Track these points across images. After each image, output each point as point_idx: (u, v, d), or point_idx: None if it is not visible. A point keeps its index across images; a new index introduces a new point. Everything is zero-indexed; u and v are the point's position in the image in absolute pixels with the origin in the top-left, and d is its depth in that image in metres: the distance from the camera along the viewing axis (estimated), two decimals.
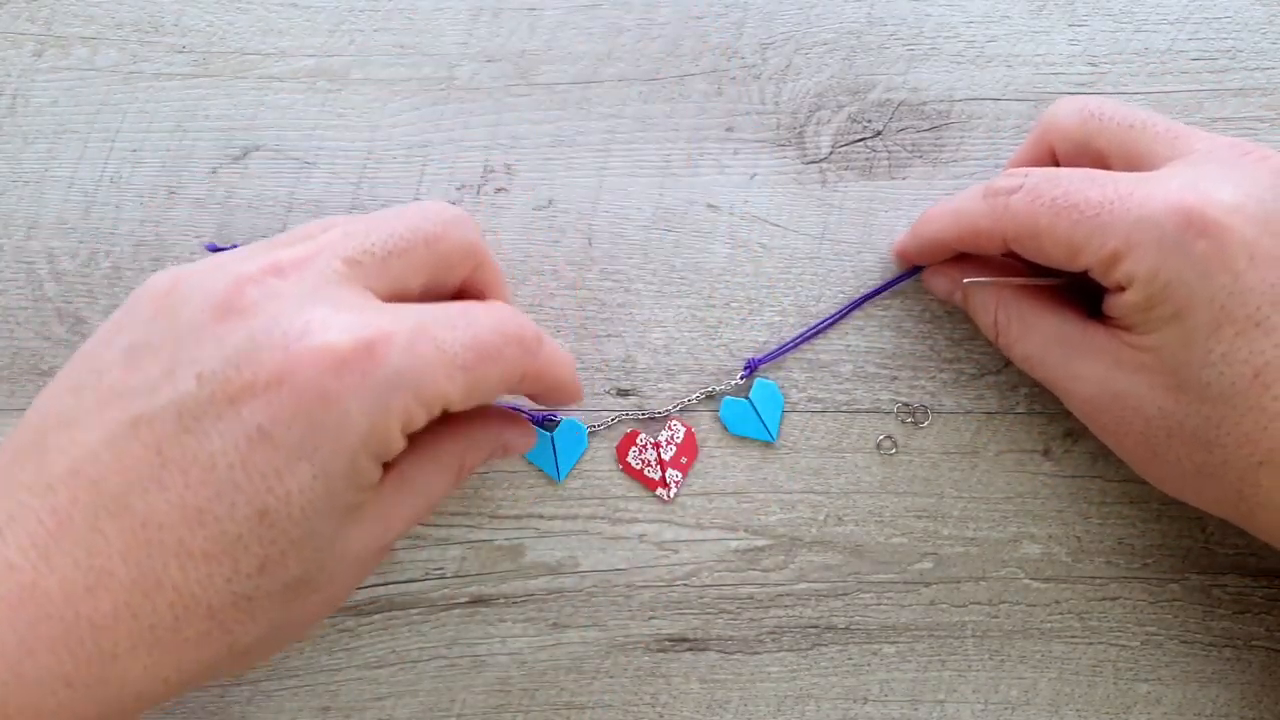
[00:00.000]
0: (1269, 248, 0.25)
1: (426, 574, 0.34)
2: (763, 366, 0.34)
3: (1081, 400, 0.29)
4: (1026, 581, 0.34)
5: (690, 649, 0.34)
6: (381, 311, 0.23)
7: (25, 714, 0.21)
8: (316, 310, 0.22)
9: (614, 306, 0.35)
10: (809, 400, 0.34)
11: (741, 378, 0.34)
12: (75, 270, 0.34)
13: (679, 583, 0.34)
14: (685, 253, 0.35)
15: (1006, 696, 0.33)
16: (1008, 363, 0.34)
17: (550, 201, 0.35)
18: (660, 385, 0.34)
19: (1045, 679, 0.34)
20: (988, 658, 0.34)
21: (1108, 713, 0.33)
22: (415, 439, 0.27)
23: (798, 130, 0.35)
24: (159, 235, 0.34)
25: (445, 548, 0.34)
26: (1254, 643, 0.34)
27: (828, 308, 0.35)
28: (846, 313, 0.34)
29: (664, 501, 0.34)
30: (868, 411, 0.34)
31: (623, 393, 0.34)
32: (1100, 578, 0.34)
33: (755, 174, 0.35)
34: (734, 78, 0.35)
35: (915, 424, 0.34)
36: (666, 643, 0.34)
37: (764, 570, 0.34)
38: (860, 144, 0.35)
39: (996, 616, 0.34)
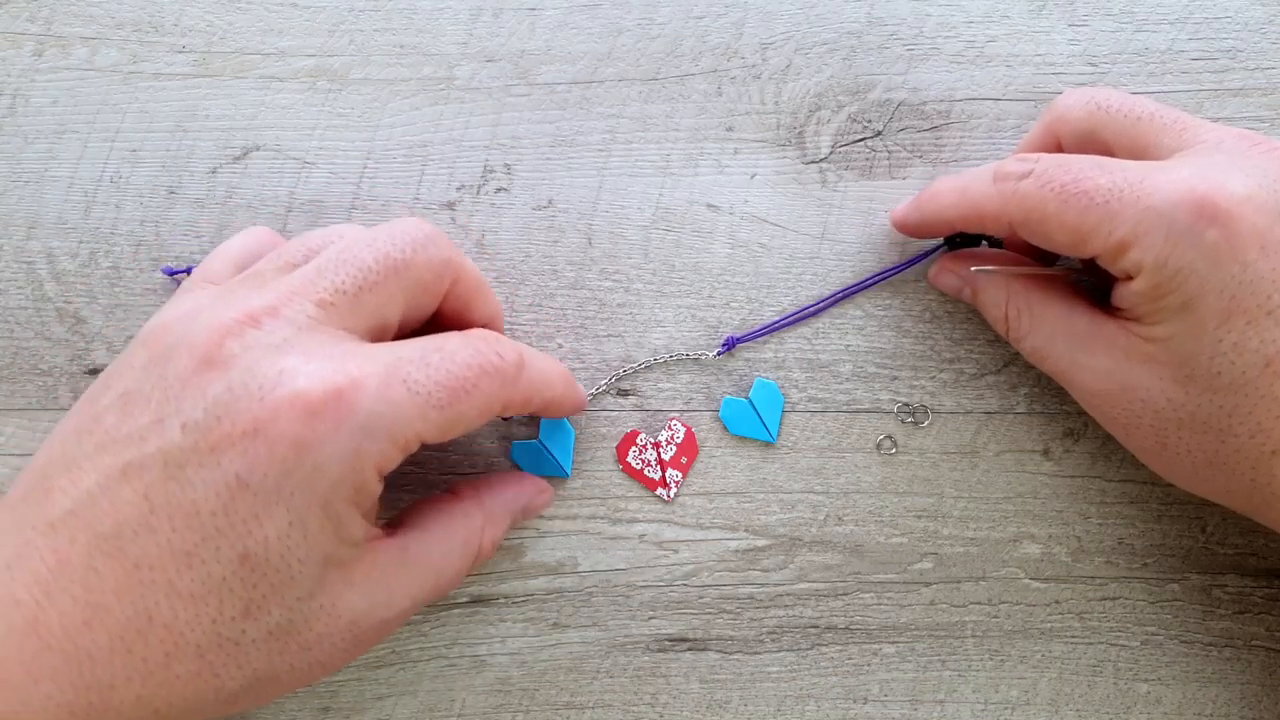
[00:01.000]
0: (1279, 237, 0.25)
1: None
2: (738, 354, 0.34)
3: (1091, 393, 0.29)
4: (1026, 581, 0.34)
5: (690, 649, 0.34)
6: (353, 356, 0.24)
7: None
8: (288, 359, 0.23)
9: (614, 306, 0.35)
10: (809, 400, 0.34)
11: (718, 354, 0.34)
12: (75, 270, 0.34)
13: (679, 583, 0.34)
14: (685, 253, 0.35)
15: (1006, 696, 0.33)
16: (1008, 363, 0.34)
17: (550, 201, 0.35)
18: (660, 385, 0.34)
19: (1045, 679, 0.34)
20: (988, 658, 0.34)
21: (1108, 713, 0.33)
22: (426, 515, 0.28)
23: (798, 130, 0.35)
24: (159, 235, 0.34)
25: None
26: (1254, 643, 0.34)
27: (827, 307, 0.35)
28: (841, 298, 0.34)
29: (664, 501, 0.34)
30: (868, 411, 0.34)
31: (623, 393, 0.34)
32: (1100, 578, 0.34)
33: (755, 174, 0.35)
34: (734, 78, 0.35)
35: (915, 424, 0.34)
36: (666, 643, 0.34)
37: (764, 570, 0.34)
38: (860, 144, 0.35)
39: (996, 616, 0.34)
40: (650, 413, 0.34)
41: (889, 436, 0.34)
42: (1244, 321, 0.25)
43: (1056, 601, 0.34)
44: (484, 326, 0.29)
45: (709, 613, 0.34)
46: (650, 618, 0.34)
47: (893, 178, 0.35)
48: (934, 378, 0.34)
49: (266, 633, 0.23)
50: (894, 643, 0.34)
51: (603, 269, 0.35)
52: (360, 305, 0.25)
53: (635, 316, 0.35)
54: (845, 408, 0.34)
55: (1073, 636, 0.34)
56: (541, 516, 0.34)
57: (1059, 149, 0.31)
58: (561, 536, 0.34)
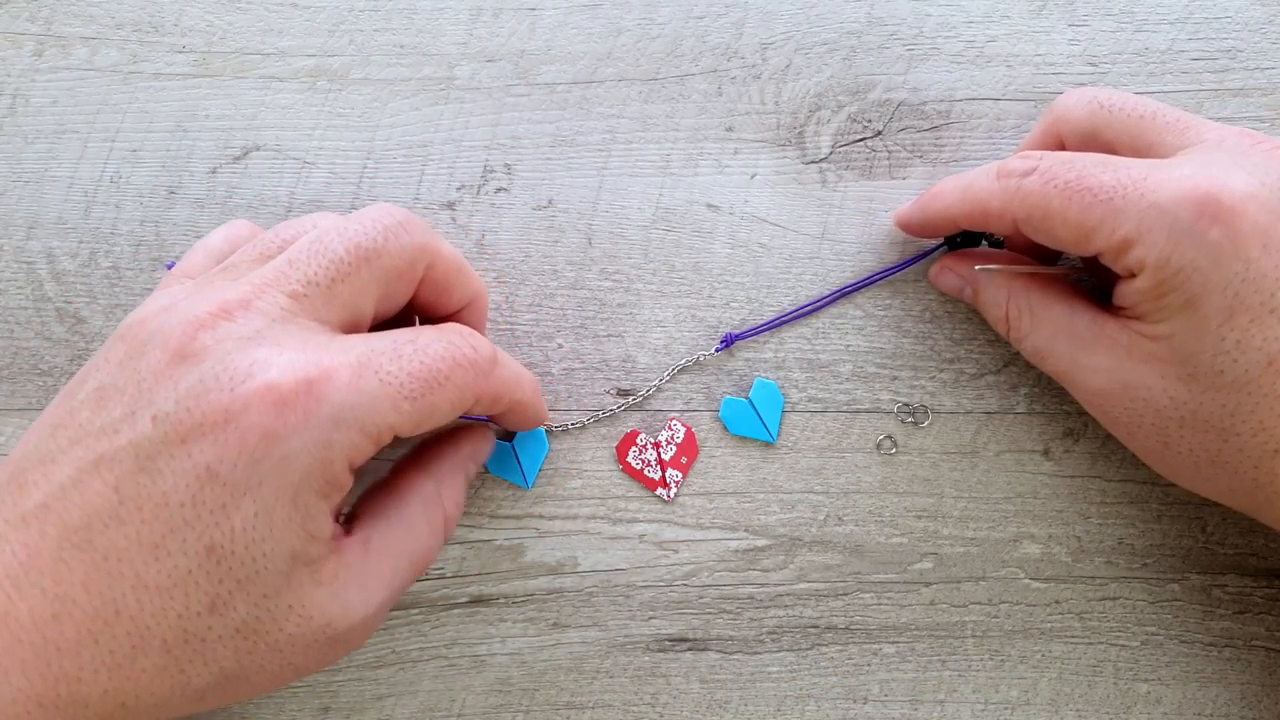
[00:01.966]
0: None
1: (426, 574, 0.34)
2: (737, 354, 0.34)
3: (1092, 392, 0.29)
4: (1026, 581, 0.34)
5: (690, 649, 0.34)
6: (325, 347, 0.24)
7: None
8: (260, 350, 0.23)
9: (614, 306, 0.35)
10: (809, 400, 0.34)
11: (717, 350, 0.34)
12: (75, 270, 0.34)
13: (679, 583, 0.34)
14: (685, 253, 0.35)
15: (1006, 696, 0.33)
16: (1008, 363, 0.34)
17: (550, 201, 0.35)
18: (661, 385, 0.34)
19: (1045, 679, 0.34)
20: (988, 658, 0.34)
21: (1108, 713, 0.33)
22: (379, 502, 0.27)
23: (798, 130, 0.35)
24: (159, 235, 0.34)
25: (445, 547, 0.34)
26: (1254, 643, 0.34)
27: (828, 307, 0.35)
28: (841, 297, 0.34)
29: (664, 501, 0.34)
30: (868, 411, 0.34)
31: (623, 393, 0.34)
32: (1100, 578, 0.34)
33: (755, 174, 0.35)
34: (734, 78, 0.35)
35: (915, 424, 0.34)
36: (666, 643, 0.34)
37: (764, 570, 0.34)
38: (860, 144, 0.35)
39: (996, 616, 0.34)
40: (650, 413, 0.34)
41: (889, 436, 0.34)
42: (1247, 319, 0.25)
43: (1056, 601, 0.34)
44: (466, 308, 0.29)
45: (709, 613, 0.34)
46: (650, 618, 0.34)
47: (893, 178, 0.35)
48: (934, 378, 0.34)
49: (233, 630, 0.23)
50: (894, 643, 0.34)
51: (603, 269, 0.35)
52: (333, 296, 0.25)
53: (635, 316, 0.35)
54: (845, 408, 0.34)
55: (1073, 636, 0.34)
56: (540, 516, 0.34)
57: (1061, 149, 0.31)
58: (561, 536, 0.34)
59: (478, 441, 0.31)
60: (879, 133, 0.35)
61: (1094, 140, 0.29)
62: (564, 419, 0.34)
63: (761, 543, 0.34)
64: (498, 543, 0.34)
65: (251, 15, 0.35)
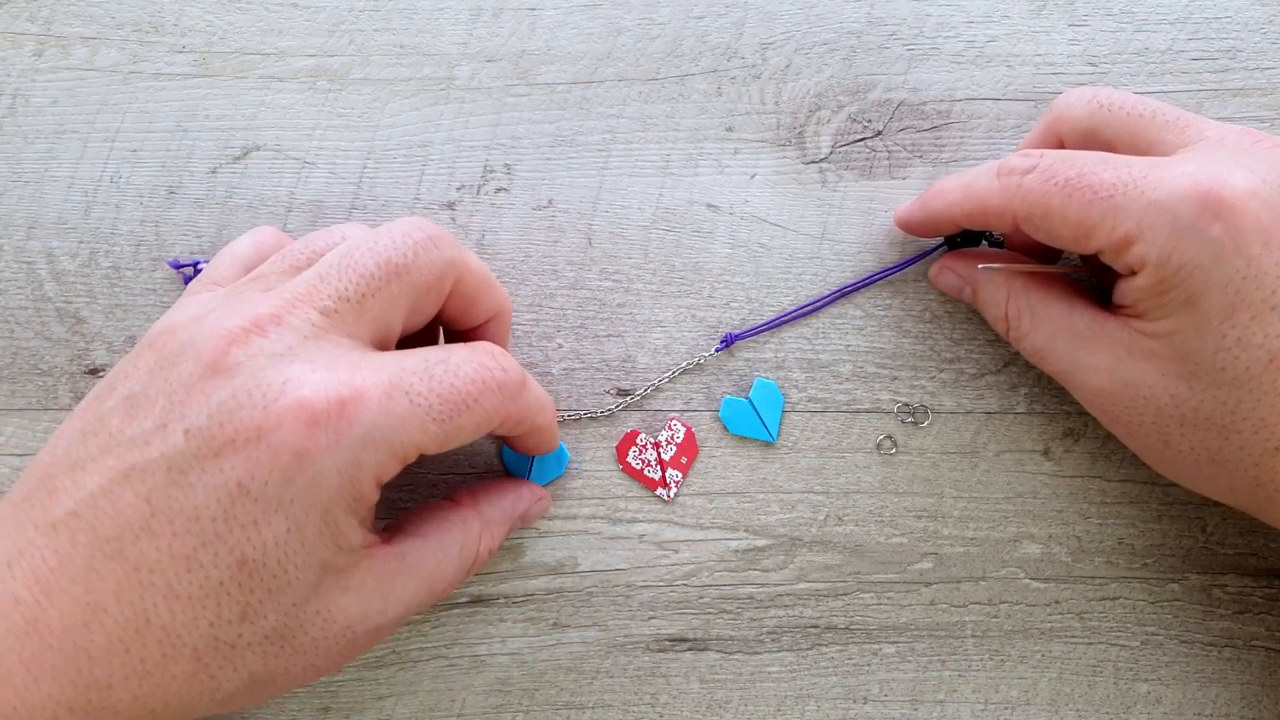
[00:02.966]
0: None
1: None
2: (737, 354, 0.34)
3: (1093, 392, 0.29)
4: (1026, 581, 0.34)
5: (690, 649, 0.34)
6: (357, 366, 0.24)
7: None
8: (293, 368, 0.23)
9: (614, 306, 0.35)
10: (809, 400, 0.34)
11: (716, 351, 0.34)
12: (75, 270, 0.34)
13: (679, 583, 0.34)
14: (685, 253, 0.35)
15: (1006, 696, 0.33)
16: (1008, 363, 0.34)
17: (550, 201, 0.35)
18: (660, 385, 0.34)
19: (1045, 679, 0.34)
20: (988, 658, 0.34)
21: (1108, 713, 0.33)
22: (424, 522, 0.28)
23: (798, 130, 0.35)
24: (159, 235, 0.34)
25: None
26: (1254, 643, 0.34)
27: (828, 307, 0.35)
28: (840, 297, 0.34)
29: (664, 501, 0.34)
30: (868, 411, 0.34)
31: (623, 393, 0.34)
32: (1100, 578, 0.34)
33: (755, 174, 0.35)
34: (734, 78, 0.35)
35: (915, 424, 0.34)
36: (666, 643, 0.34)
37: (764, 570, 0.34)
38: (860, 144, 0.35)
39: (996, 616, 0.34)
40: (650, 413, 0.34)
41: (889, 436, 0.34)
42: (1248, 316, 0.25)
43: (1056, 601, 0.34)
44: (491, 321, 0.29)
45: (709, 613, 0.34)
46: (650, 618, 0.34)
47: (893, 178, 0.35)
48: (934, 378, 0.34)
49: (262, 636, 0.23)
50: (894, 643, 0.34)
51: (603, 269, 0.35)
52: (364, 312, 0.25)
53: (635, 316, 0.35)
54: (845, 408, 0.34)
55: (1073, 636, 0.34)
56: (542, 516, 0.34)
57: (1061, 148, 0.31)
58: (561, 536, 0.34)
59: (535, 503, 0.32)
60: (879, 133, 0.35)
61: (1093, 139, 0.29)
62: (564, 413, 0.34)
63: (761, 543, 0.34)
64: None
65: (251, 15, 0.35)
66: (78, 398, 0.34)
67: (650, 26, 0.36)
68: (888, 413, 0.34)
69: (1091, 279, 0.33)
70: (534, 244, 0.35)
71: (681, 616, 0.34)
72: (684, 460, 0.34)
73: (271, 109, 0.35)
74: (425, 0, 0.36)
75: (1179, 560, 0.34)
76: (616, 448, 0.34)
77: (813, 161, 0.35)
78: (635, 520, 0.34)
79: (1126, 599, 0.34)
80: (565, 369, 0.34)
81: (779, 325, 0.34)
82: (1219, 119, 0.34)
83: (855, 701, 0.33)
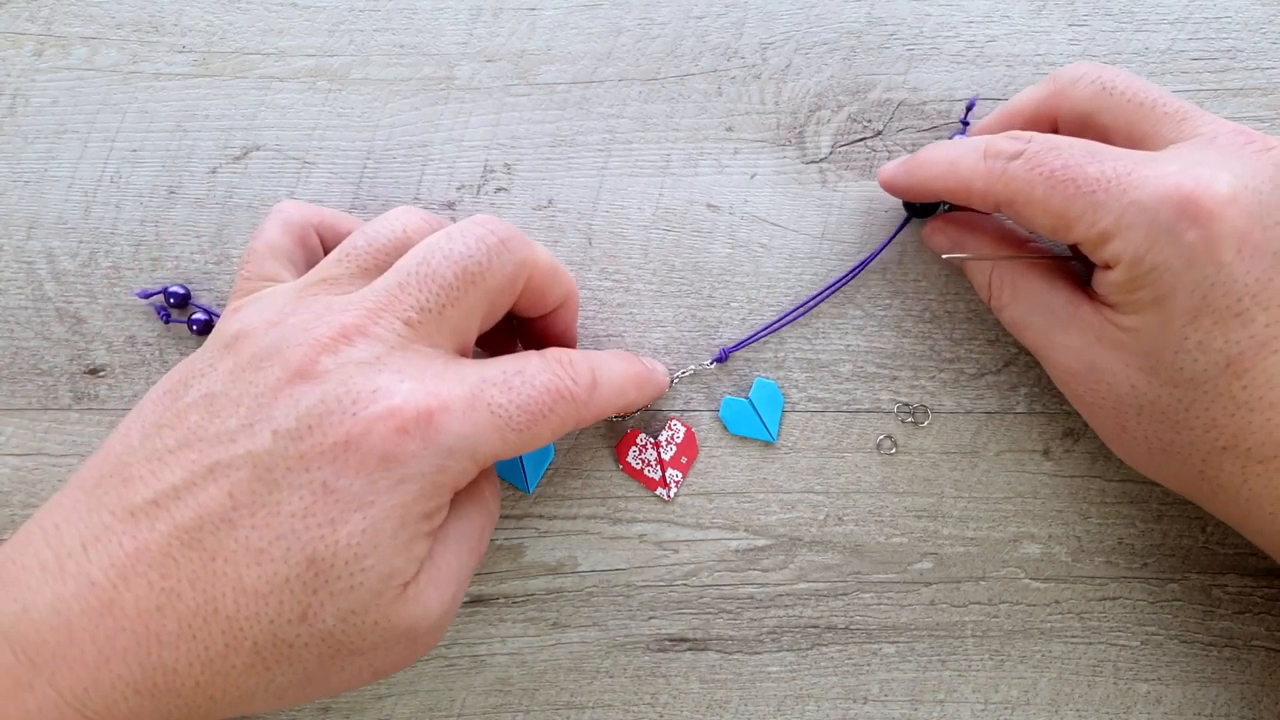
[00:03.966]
0: (1259, 240, 0.25)
1: None
2: (737, 354, 0.34)
3: (1061, 369, 0.29)
4: (1026, 581, 0.34)
5: (690, 649, 0.34)
6: (441, 377, 0.25)
7: (104, 716, 0.23)
8: (382, 377, 0.24)
9: (614, 306, 0.35)
10: (809, 400, 0.34)
11: (712, 363, 0.34)
12: (75, 270, 0.34)
13: (679, 583, 0.34)
14: (685, 253, 0.35)
15: (1006, 696, 0.33)
16: (1008, 362, 0.34)
17: (550, 201, 0.35)
18: None
19: (1045, 679, 0.34)
20: (988, 658, 0.34)
21: (1108, 713, 0.33)
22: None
23: (798, 130, 0.35)
24: (159, 235, 0.35)
25: None
26: (1254, 643, 0.34)
27: (828, 307, 0.35)
28: (830, 293, 0.34)
29: (664, 501, 0.34)
30: (868, 411, 0.34)
31: None
32: (1100, 578, 0.34)
33: (755, 174, 0.35)
34: (734, 78, 0.35)
35: (915, 424, 0.34)
36: (666, 643, 0.34)
37: (764, 570, 0.34)
38: (860, 144, 0.35)
39: (996, 616, 0.34)
40: (650, 413, 0.34)
41: (889, 436, 0.34)
42: (1211, 321, 0.25)
43: (1056, 601, 0.34)
44: (559, 308, 0.30)
45: (709, 613, 0.34)
46: (650, 618, 0.34)
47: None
48: (934, 378, 0.34)
49: (319, 638, 0.24)
50: (894, 643, 0.34)
51: (603, 269, 0.35)
52: (444, 321, 0.26)
53: (635, 316, 0.35)
54: (845, 408, 0.34)
55: (1073, 636, 0.34)
56: (540, 516, 0.34)
57: (1054, 123, 0.31)
58: (561, 536, 0.34)
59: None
60: (879, 133, 0.35)
61: (1091, 122, 0.29)
62: None
63: (761, 543, 0.34)
64: (498, 543, 0.34)
65: (251, 15, 0.35)
66: (78, 398, 0.34)
67: (650, 26, 0.36)
68: (888, 413, 0.34)
69: (1076, 261, 0.33)
70: None
71: (681, 616, 0.34)
72: (684, 460, 0.34)
73: (271, 109, 0.35)
74: (425, 0, 0.36)
75: (1179, 560, 0.34)
76: (616, 448, 0.34)
77: (813, 161, 0.35)
78: (635, 520, 0.34)
79: (1126, 599, 0.34)
80: None
81: (774, 331, 0.34)
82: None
83: (855, 701, 0.33)
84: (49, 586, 0.23)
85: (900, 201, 0.35)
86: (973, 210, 0.33)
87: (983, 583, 0.34)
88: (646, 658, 0.34)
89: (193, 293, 0.34)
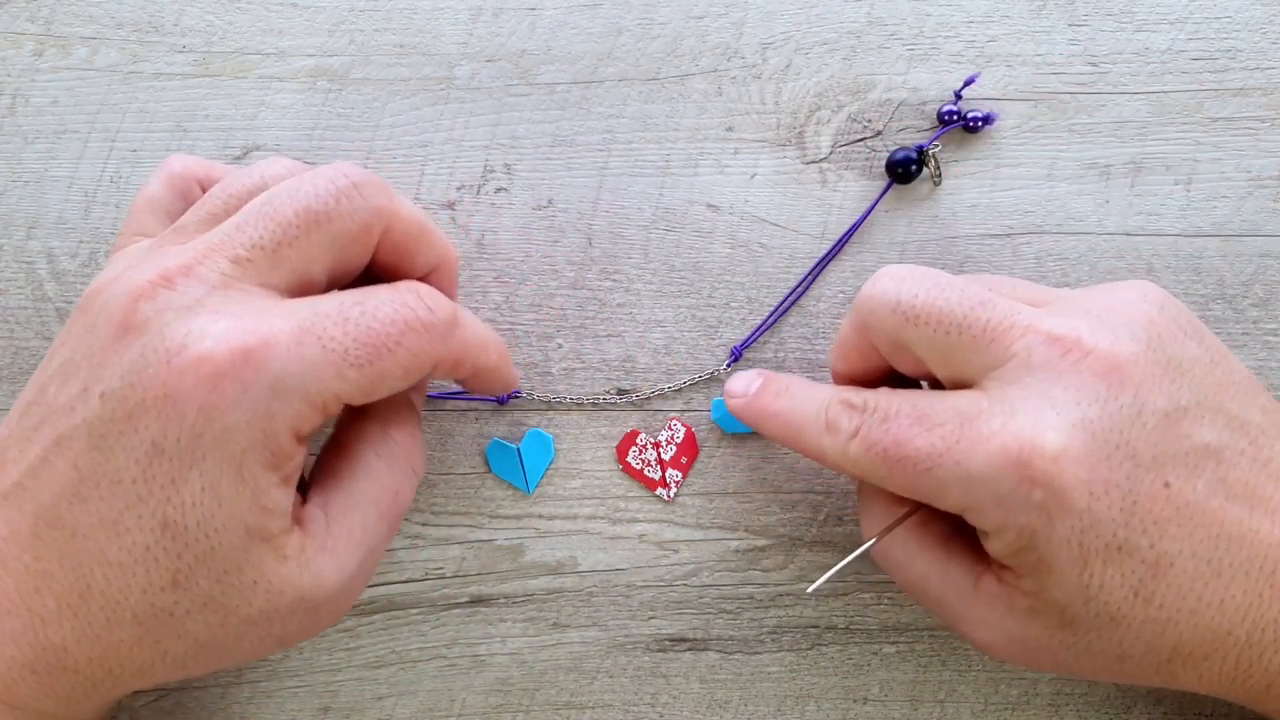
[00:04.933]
0: (1106, 473, 0.24)
1: (426, 574, 0.34)
2: (748, 352, 0.34)
3: (986, 646, 0.28)
4: None
5: (690, 649, 0.34)
6: (265, 314, 0.23)
7: (5, 697, 0.24)
8: (197, 320, 0.22)
9: (614, 306, 0.35)
10: None
11: (728, 366, 0.34)
12: (75, 270, 0.34)
13: (679, 583, 0.34)
14: (685, 253, 0.35)
15: (1006, 696, 0.33)
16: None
17: (550, 201, 0.35)
18: (660, 385, 0.34)
19: (1045, 679, 0.34)
20: (988, 658, 0.34)
21: (1107, 713, 0.33)
22: (331, 464, 0.27)
23: (798, 130, 0.35)
24: None
25: (445, 548, 0.34)
26: None
27: (828, 307, 0.35)
28: (818, 272, 0.35)
29: (664, 501, 0.34)
30: None
31: (623, 392, 0.34)
32: None
33: (755, 174, 0.35)
34: (734, 78, 0.35)
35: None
36: (666, 643, 0.34)
37: (764, 570, 0.34)
38: (860, 144, 0.35)
39: None
40: (650, 413, 0.34)
41: None
42: (1101, 563, 0.24)
43: None
44: (433, 273, 0.28)
45: (709, 613, 0.34)
46: (650, 618, 0.34)
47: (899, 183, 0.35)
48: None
49: (200, 604, 0.23)
50: (894, 643, 0.34)
51: (603, 269, 0.35)
52: (279, 260, 0.24)
53: (635, 316, 0.35)
54: None
55: None
56: (540, 516, 0.34)
57: (876, 352, 0.28)
58: (561, 536, 0.34)
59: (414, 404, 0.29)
60: (879, 133, 0.35)
61: (905, 351, 0.27)
62: (564, 413, 0.34)
63: (761, 543, 0.34)
64: (498, 543, 0.34)
65: (251, 15, 0.35)
66: None
67: (650, 26, 0.36)
68: None
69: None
70: (534, 244, 0.35)
71: (681, 616, 0.34)
72: (684, 460, 0.34)
73: (271, 109, 0.35)
74: (425, 0, 0.36)
75: None
76: (616, 448, 0.34)
77: (813, 161, 0.35)
78: (635, 520, 0.34)
79: None
80: (565, 369, 0.34)
81: (776, 320, 0.34)
82: (1219, 119, 0.35)
83: (855, 701, 0.33)
84: None
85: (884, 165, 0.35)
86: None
87: None
88: (646, 658, 0.34)
89: None
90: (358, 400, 0.24)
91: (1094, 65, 0.35)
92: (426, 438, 0.34)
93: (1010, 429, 0.24)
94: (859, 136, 0.35)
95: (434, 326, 0.24)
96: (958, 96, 0.35)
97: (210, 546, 0.23)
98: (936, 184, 0.34)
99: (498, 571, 0.34)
